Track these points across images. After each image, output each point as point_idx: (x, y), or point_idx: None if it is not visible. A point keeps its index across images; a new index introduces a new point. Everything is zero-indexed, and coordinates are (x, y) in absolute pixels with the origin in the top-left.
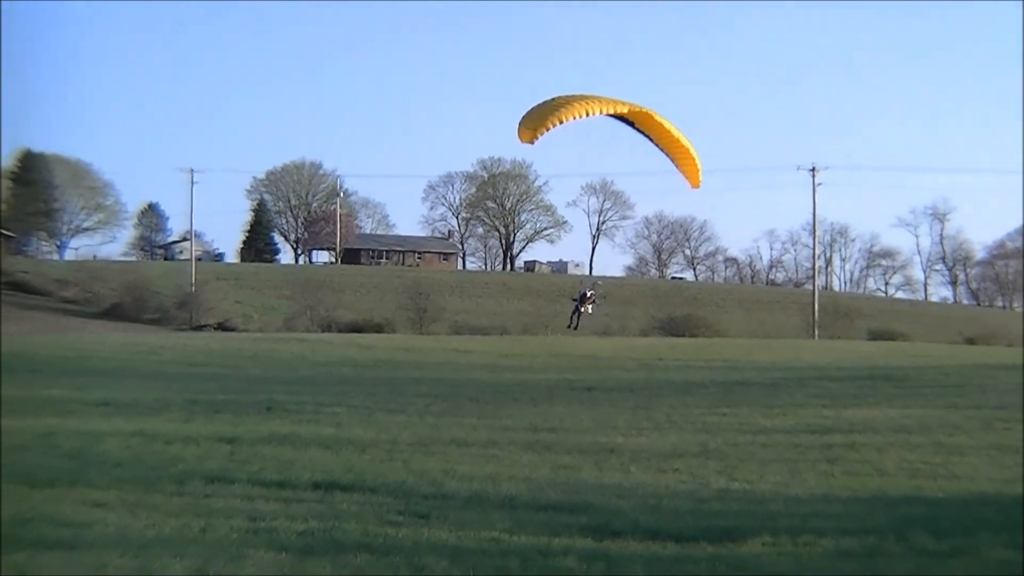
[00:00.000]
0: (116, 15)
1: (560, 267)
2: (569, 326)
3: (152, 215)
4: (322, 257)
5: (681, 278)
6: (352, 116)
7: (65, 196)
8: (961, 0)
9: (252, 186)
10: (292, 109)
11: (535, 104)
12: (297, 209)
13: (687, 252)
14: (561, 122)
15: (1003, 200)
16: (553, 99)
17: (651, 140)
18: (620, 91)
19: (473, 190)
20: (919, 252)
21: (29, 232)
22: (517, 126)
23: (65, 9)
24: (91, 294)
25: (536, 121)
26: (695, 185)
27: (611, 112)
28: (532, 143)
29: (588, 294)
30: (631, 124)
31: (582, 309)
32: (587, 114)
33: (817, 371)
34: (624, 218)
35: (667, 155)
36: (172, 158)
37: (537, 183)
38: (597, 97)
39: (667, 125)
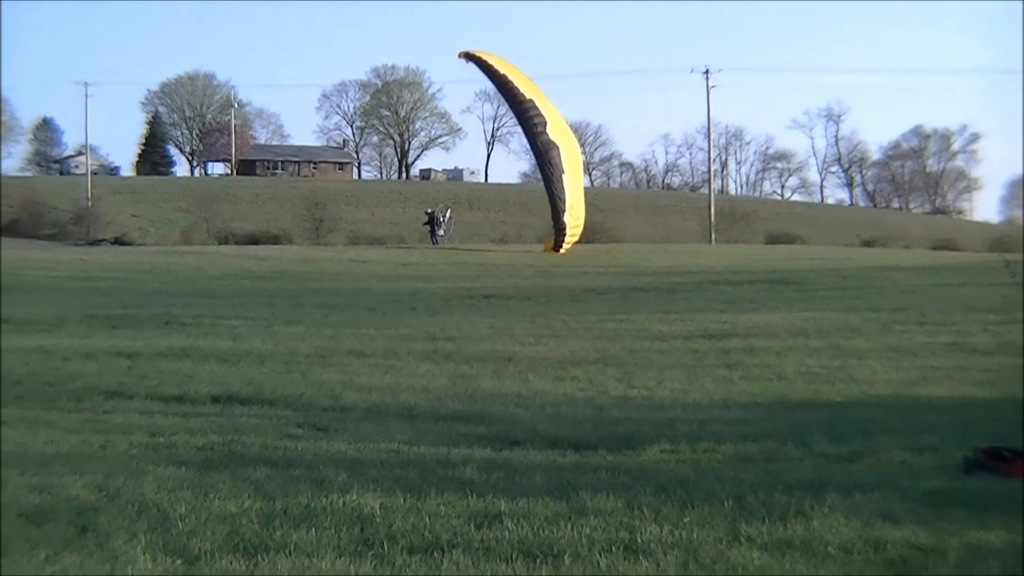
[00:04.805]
0: None
1: (456, 175)
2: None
3: (47, 129)
4: (218, 169)
5: None
6: (245, 25)
7: None
8: None
9: (147, 98)
10: (185, 18)
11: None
12: (192, 121)
13: (582, 157)
14: (493, 68)
15: (898, 100)
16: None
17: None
18: None
19: (367, 98)
20: (815, 154)
21: None
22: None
23: None
24: None
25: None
26: None
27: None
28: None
29: (439, 219)
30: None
31: (439, 232)
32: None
33: (715, 275)
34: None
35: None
36: (66, 71)
37: (431, 90)
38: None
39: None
